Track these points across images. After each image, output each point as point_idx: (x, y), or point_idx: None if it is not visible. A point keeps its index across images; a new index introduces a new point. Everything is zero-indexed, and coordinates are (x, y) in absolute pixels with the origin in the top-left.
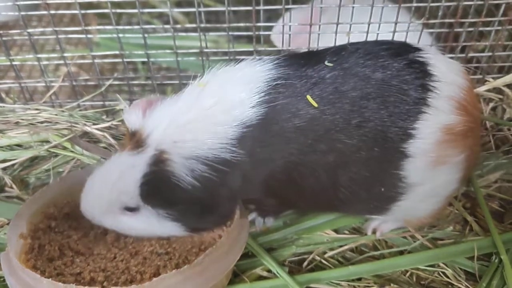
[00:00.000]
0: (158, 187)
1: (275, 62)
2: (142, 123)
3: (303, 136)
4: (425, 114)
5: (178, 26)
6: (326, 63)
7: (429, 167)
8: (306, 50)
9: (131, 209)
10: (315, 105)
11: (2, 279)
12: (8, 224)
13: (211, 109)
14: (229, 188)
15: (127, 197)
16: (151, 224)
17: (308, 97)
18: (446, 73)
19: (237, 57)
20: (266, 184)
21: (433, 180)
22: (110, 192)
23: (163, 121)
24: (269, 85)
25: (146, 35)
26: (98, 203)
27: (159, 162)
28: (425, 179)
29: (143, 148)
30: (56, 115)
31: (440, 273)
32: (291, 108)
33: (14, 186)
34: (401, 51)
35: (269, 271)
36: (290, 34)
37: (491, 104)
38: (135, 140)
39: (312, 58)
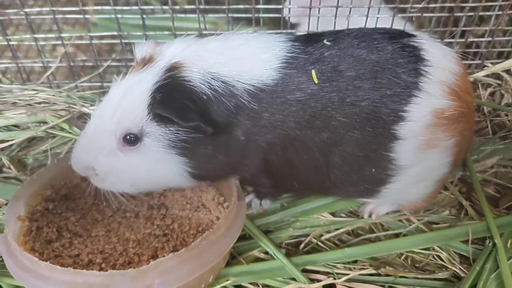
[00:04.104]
0: (171, 94)
1: (286, 37)
2: (154, 50)
3: (302, 111)
4: (416, 98)
5: (177, 7)
6: (324, 41)
7: (419, 150)
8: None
9: (132, 140)
10: (316, 81)
11: (0, 259)
12: (6, 204)
13: (238, 49)
14: (241, 133)
15: (131, 119)
16: (152, 160)
17: (313, 72)
18: (439, 59)
19: None
20: (264, 158)
21: (423, 163)
22: (110, 119)
23: (184, 42)
24: (285, 55)
25: (144, 16)
26: (94, 138)
27: (173, 69)
28: (415, 162)
29: (153, 63)
30: (53, 96)
31: (435, 256)
32: (295, 81)
33: (11, 167)
34: (396, 35)
35: (266, 253)
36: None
37: (489, 90)
38: (144, 62)
39: (313, 37)
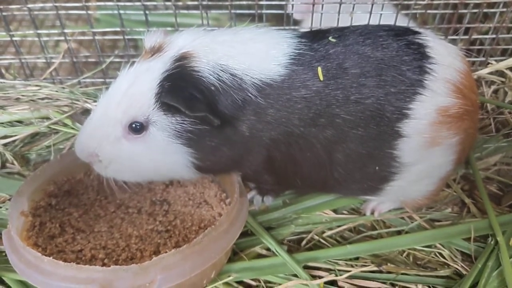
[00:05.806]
0: (179, 83)
1: (293, 33)
2: (164, 39)
3: (307, 108)
4: (421, 95)
5: (180, 3)
6: (330, 38)
7: (423, 147)
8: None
9: (138, 129)
10: (322, 78)
11: (4, 254)
12: (9, 199)
13: (247, 43)
14: (246, 128)
15: (137, 107)
16: (156, 149)
17: (319, 69)
18: (444, 56)
19: None
20: (267, 155)
21: (426, 161)
22: (117, 106)
23: (194, 33)
24: (292, 52)
25: (147, 12)
26: (100, 125)
27: (182, 59)
28: (419, 160)
29: (162, 53)
30: (56, 91)
31: (437, 253)
32: (301, 78)
33: (15, 162)
34: (401, 32)
35: (268, 249)
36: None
37: (493, 87)
38: (153, 51)
39: (319, 33)
